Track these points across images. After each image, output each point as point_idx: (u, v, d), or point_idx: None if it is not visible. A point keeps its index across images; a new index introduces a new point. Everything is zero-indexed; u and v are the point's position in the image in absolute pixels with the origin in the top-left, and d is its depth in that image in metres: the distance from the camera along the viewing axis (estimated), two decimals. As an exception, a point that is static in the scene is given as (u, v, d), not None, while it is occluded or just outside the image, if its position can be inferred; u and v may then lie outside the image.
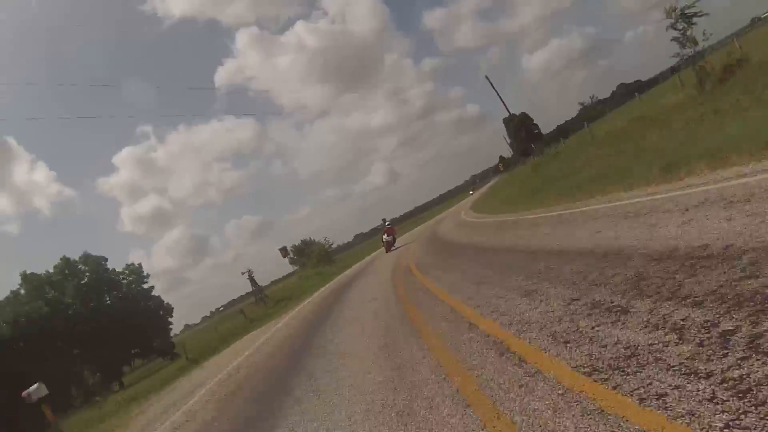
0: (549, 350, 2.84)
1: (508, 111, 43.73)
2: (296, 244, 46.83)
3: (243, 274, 28.13)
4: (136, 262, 48.56)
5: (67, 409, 21.55)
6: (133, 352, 38.56)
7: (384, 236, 23.00)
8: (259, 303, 28.26)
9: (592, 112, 79.76)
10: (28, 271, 34.34)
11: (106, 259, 38.09)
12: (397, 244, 23.21)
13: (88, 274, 36.43)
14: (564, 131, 72.05)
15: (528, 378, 2.64)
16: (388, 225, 24.27)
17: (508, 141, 66.66)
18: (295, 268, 41.67)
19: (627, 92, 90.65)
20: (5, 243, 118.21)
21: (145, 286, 39.99)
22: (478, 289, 5.26)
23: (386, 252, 21.85)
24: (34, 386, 9.96)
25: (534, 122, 68.45)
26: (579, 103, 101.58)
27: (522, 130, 64.08)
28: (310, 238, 49.58)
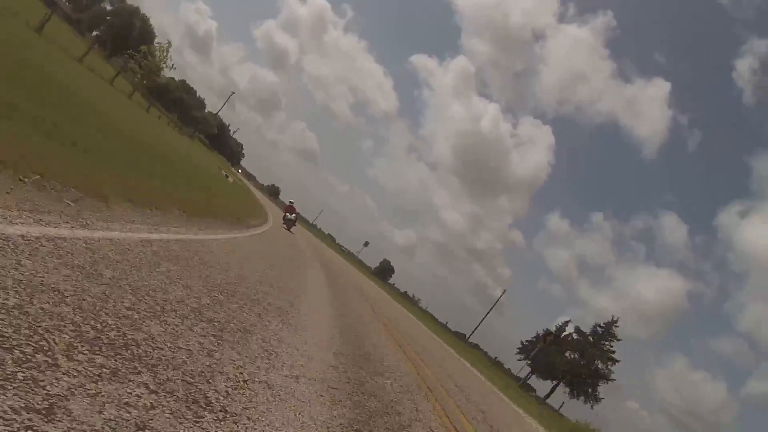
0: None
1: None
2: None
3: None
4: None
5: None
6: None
7: (287, 214, 22.63)
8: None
9: None
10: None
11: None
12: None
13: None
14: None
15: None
16: (291, 202, 23.59)
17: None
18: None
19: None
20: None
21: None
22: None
23: (288, 229, 21.43)
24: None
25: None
26: None
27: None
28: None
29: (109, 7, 46.98)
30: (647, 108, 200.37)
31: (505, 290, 58.98)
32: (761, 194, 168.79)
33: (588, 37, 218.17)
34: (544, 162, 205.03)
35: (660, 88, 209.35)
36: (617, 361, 35.62)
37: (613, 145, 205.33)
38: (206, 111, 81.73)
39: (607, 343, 35.56)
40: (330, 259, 25.40)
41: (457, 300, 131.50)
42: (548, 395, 34.58)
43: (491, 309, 44.97)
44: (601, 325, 35.82)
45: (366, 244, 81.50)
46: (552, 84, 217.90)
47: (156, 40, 36.89)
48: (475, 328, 45.05)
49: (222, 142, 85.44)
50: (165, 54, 35.01)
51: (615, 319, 36.31)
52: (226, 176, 31.44)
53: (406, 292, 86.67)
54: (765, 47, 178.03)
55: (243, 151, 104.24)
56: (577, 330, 36.99)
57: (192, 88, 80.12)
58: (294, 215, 22.57)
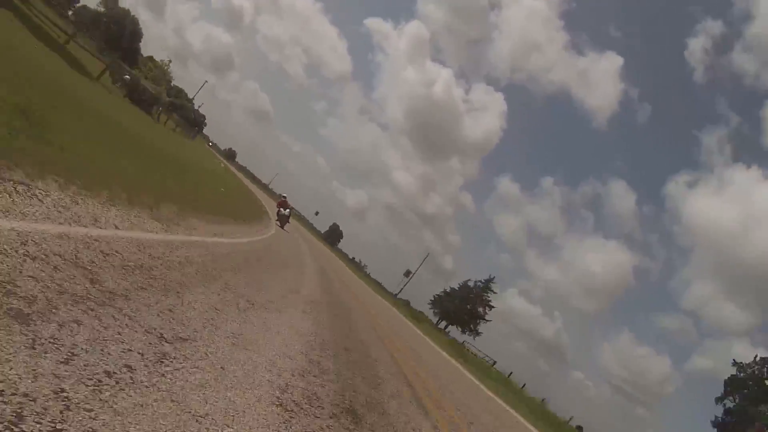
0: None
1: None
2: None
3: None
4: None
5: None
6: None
7: (280, 209, 21.96)
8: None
9: None
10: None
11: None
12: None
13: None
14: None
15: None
16: (284, 196, 22.61)
17: None
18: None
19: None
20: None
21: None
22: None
23: (281, 227, 20.60)
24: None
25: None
26: None
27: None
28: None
29: (101, 9, 54.41)
30: (599, 80, 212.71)
31: (428, 254, 73.90)
32: (708, 167, 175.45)
33: (543, 9, 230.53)
34: (496, 127, 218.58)
35: (612, 62, 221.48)
36: (493, 306, 51.57)
37: (564, 113, 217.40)
38: (173, 84, 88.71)
39: (486, 294, 51.29)
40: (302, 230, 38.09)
41: (405, 267, 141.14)
42: (444, 328, 49.87)
43: (418, 267, 59.73)
44: (482, 281, 51.58)
45: (317, 213, 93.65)
46: (506, 52, 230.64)
47: (155, 56, 45.93)
48: (404, 285, 59.84)
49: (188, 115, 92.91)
50: (167, 69, 44.81)
51: (492, 277, 52.10)
52: (222, 165, 42.90)
53: (353, 257, 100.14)
54: (718, 28, 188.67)
55: (205, 121, 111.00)
56: (464, 285, 52.54)
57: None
58: (287, 210, 21.92)
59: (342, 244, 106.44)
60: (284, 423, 2.58)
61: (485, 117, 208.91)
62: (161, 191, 6.27)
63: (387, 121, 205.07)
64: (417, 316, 33.90)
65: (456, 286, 55.53)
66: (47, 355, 1.74)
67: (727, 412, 31.96)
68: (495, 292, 51.66)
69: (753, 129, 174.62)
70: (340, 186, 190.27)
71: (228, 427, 2.12)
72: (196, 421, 2.00)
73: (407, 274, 56.31)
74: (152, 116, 27.22)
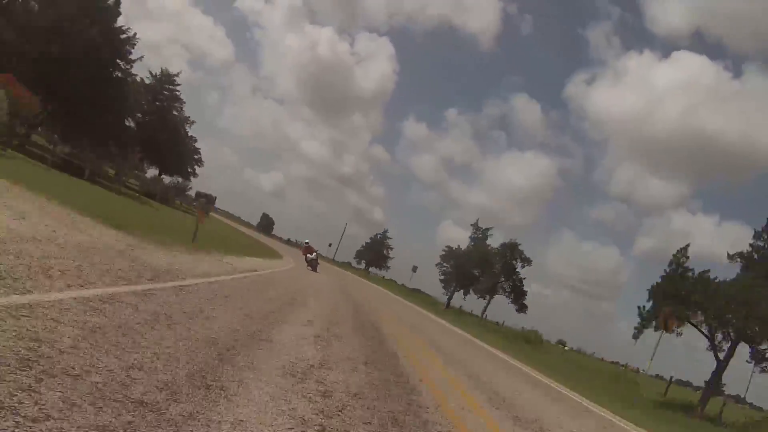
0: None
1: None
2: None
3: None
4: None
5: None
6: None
7: (307, 255, 24.19)
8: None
9: None
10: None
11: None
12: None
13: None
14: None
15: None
16: (306, 242, 24.83)
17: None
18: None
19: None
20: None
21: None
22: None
23: (314, 271, 22.87)
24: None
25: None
26: None
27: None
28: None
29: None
30: (476, 3, 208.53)
31: (347, 223, 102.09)
32: (601, 61, 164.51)
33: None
34: (389, 71, 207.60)
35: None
36: (391, 248, 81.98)
37: (450, 44, 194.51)
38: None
39: (385, 240, 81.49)
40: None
41: (337, 233, 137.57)
42: (366, 269, 79.34)
43: (341, 239, 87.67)
44: (380, 234, 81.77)
45: (266, 217, 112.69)
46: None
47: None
48: (339, 243, 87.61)
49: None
50: None
51: (386, 230, 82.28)
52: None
53: (288, 239, 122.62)
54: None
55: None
56: (374, 238, 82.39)
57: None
58: (314, 254, 24.10)
59: (276, 230, 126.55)
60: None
61: (376, 63, 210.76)
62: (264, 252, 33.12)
63: (282, 95, 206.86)
64: (343, 266, 62.70)
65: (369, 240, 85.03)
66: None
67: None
68: (390, 238, 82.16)
69: (636, 17, 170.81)
70: (254, 173, 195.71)
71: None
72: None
73: (330, 245, 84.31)
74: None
